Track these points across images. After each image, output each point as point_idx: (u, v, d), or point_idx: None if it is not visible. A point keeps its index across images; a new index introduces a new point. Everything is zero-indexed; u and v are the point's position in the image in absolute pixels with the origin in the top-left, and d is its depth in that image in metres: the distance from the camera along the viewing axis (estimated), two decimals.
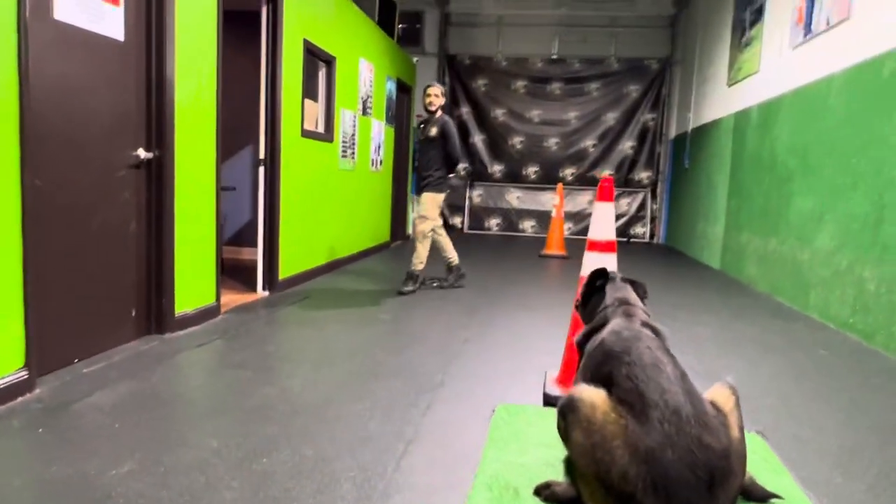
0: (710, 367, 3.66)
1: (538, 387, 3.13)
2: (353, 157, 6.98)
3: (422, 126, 5.76)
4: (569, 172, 11.58)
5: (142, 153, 3.56)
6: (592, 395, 1.64)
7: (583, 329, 2.12)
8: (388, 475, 2.18)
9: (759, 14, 7.14)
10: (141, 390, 2.87)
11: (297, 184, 5.54)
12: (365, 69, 7.27)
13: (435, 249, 5.73)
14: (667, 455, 1.50)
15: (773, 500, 1.86)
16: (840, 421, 2.89)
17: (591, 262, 2.96)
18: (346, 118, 6.69)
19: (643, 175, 11.48)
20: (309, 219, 5.86)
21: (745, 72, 7.52)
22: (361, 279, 6.16)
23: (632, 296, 2.14)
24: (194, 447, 2.32)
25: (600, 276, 2.31)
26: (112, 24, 3.30)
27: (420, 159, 5.76)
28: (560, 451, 2.25)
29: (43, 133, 2.87)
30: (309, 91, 5.86)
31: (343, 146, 6.65)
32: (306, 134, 5.65)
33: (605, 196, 2.99)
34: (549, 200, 11.38)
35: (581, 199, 11.59)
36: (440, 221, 5.74)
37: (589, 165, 11.55)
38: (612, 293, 2.13)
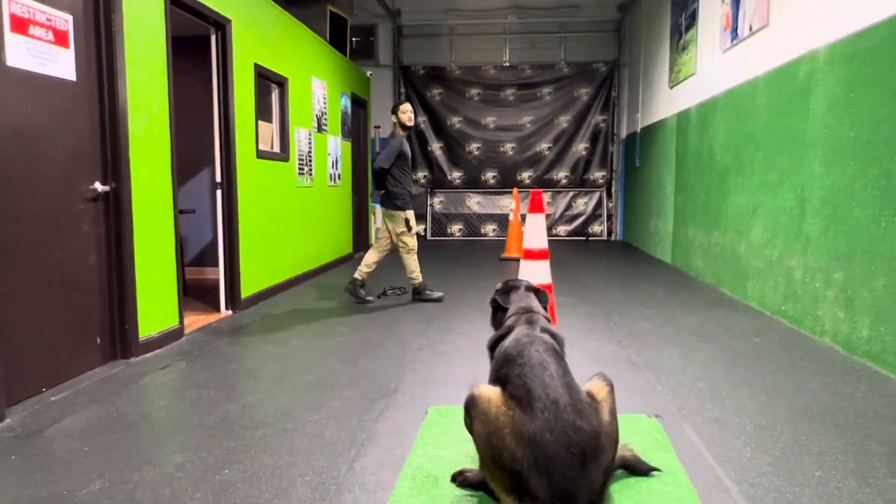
0: (649, 359, 3.94)
1: None
2: (310, 174, 7.16)
3: (405, 142, 5.87)
4: (526, 176, 11.90)
5: (98, 186, 3.72)
6: (488, 392, 1.91)
7: (493, 334, 2.36)
8: (341, 477, 2.39)
9: (692, 19, 7.51)
10: (108, 414, 3.03)
11: (255, 204, 5.70)
12: (318, 87, 7.45)
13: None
14: (546, 438, 1.77)
15: (653, 473, 2.20)
16: (760, 402, 3.17)
17: (527, 269, 3.21)
18: (301, 137, 6.86)
19: (598, 175, 11.84)
20: (269, 237, 6.03)
21: (683, 74, 7.89)
22: (323, 293, 6.34)
23: (535, 304, 2.38)
24: (159, 464, 2.50)
25: (508, 286, 2.54)
26: (63, 65, 3.45)
27: (409, 176, 5.91)
28: None
29: (2, 175, 3.02)
30: (262, 113, 6.03)
31: (300, 164, 6.83)
32: (262, 155, 5.82)
33: (536, 208, 3.23)
34: (509, 204, 11.67)
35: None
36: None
37: (545, 168, 11.88)
38: (517, 302, 2.37)
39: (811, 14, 4.63)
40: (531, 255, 3.17)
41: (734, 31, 6.14)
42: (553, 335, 2.15)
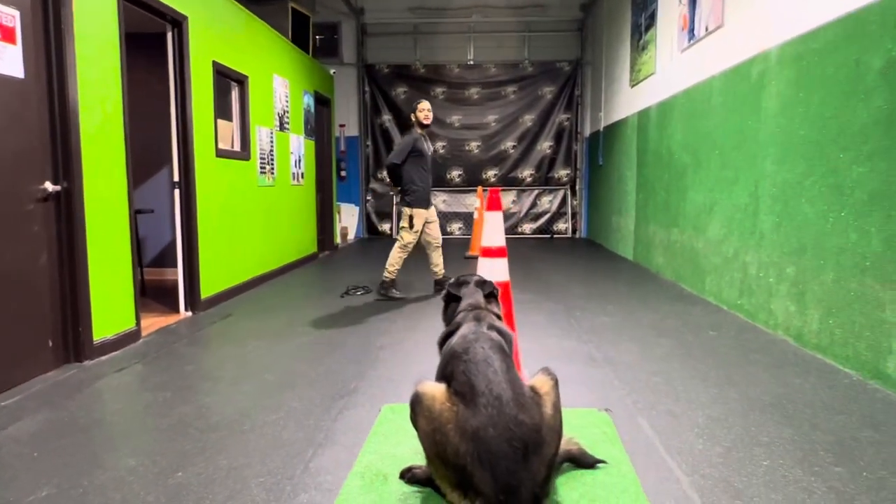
0: (608, 354, 3.99)
1: None
2: (272, 173, 7.09)
3: (421, 139, 5.94)
4: (491, 174, 11.95)
5: (49, 186, 3.63)
6: (433, 389, 1.93)
7: (442, 331, 2.37)
8: (296, 477, 2.38)
9: (652, 19, 7.62)
10: (59, 419, 2.97)
11: (215, 203, 5.63)
12: (280, 85, 7.38)
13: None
14: (489, 433, 1.80)
15: (599, 465, 2.31)
16: (713, 395, 3.24)
17: (485, 266, 3.23)
18: (262, 135, 6.79)
19: (562, 173, 11.95)
20: (230, 237, 5.96)
21: (644, 73, 8.00)
22: (286, 293, 6.29)
23: (482, 300, 2.40)
24: (111, 468, 2.46)
25: (459, 281, 2.56)
26: (10, 62, 3.36)
27: (426, 173, 5.96)
28: None
29: None
30: (222, 111, 5.96)
31: (261, 163, 6.76)
32: (221, 154, 5.75)
33: (493, 206, 3.25)
34: (474, 203, 11.71)
35: (506, 200, 11.97)
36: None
37: (510, 166, 11.94)
38: (466, 299, 2.39)
39: (763, 15, 4.73)
40: (489, 252, 3.18)
41: (691, 31, 6.25)
42: (500, 331, 2.17)
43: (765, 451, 2.57)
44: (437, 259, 6.12)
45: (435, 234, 6.06)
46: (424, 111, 5.93)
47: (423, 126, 5.95)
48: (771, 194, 4.55)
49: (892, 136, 3.26)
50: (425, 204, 5.94)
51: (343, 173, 11.89)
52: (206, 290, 5.44)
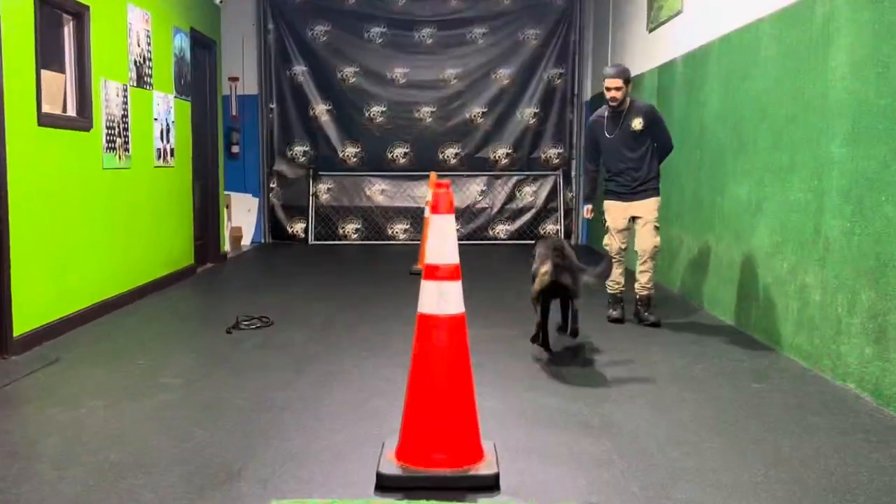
0: (607, 416, 4.03)
1: (374, 463, 3.33)
2: (125, 149, 7.02)
3: (602, 120, 6.50)
4: (451, 153, 12.01)
5: None
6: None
7: None
8: None
9: None
10: None
11: (37, 194, 5.51)
12: (138, 20, 7.32)
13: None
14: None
15: None
16: (756, 478, 3.29)
17: (431, 293, 3.19)
18: (110, 93, 6.72)
19: (551, 153, 12.10)
20: (59, 244, 5.85)
21: (666, 11, 8.16)
22: (144, 326, 6.21)
23: None
24: None
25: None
26: None
27: (616, 158, 6.46)
28: None
29: None
30: (49, 58, 5.85)
31: (108, 134, 6.68)
32: (46, 121, 5.65)
33: (442, 206, 3.23)
34: (425, 195, 11.73)
35: (471, 190, 12.03)
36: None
37: (479, 143, 12.03)
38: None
39: None
40: (435, 273, 3.15)
41: None
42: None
43: None
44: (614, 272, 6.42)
45: (609, 242, 6.54)
46: (612, 91, 6.25)
47: (610, 104, 6.36)
48: (840, 188, 4.64)
49: None
50: (610, 196, 6.52)
51: (235, 149, 11.79)
52: (22, 325, 5.32)
